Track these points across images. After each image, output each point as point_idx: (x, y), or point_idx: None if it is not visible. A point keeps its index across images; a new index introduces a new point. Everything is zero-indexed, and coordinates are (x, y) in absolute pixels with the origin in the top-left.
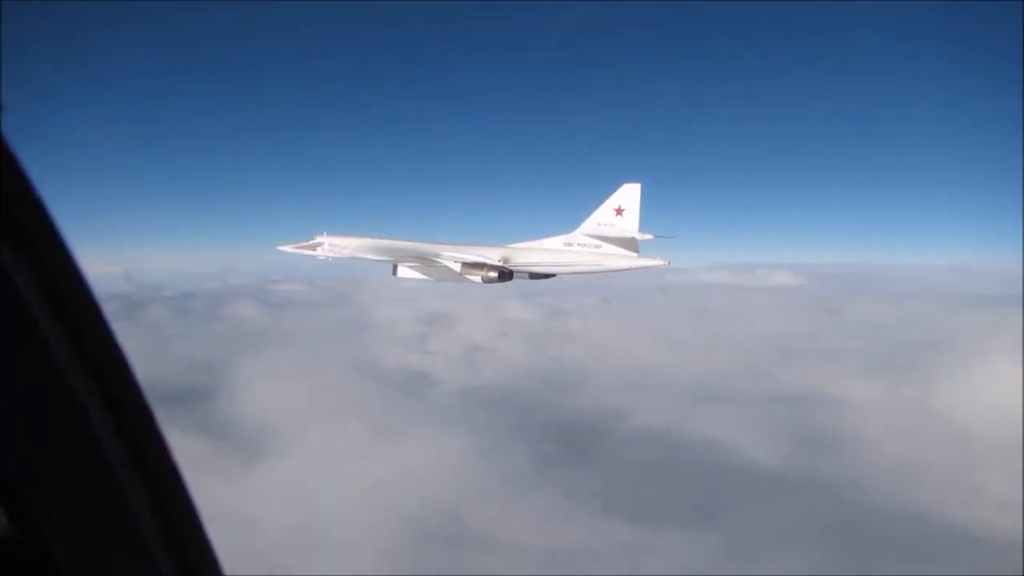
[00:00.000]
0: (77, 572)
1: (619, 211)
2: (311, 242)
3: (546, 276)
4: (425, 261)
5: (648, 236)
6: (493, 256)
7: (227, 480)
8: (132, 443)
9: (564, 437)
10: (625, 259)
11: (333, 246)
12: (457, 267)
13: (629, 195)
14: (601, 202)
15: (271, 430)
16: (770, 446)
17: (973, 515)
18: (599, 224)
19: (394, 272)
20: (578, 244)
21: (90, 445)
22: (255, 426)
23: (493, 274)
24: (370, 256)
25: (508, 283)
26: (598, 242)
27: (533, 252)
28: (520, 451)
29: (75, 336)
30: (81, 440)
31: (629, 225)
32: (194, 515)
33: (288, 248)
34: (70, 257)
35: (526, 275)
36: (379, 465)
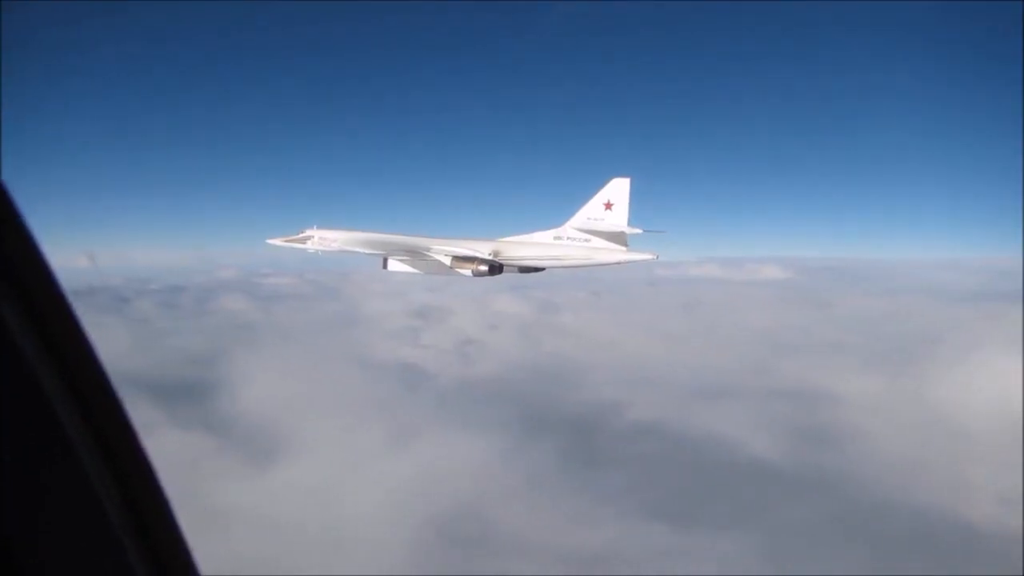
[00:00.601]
0: (44, 572)
1: (608, 205)
2: (300, 235)
3: (535, 270)
4: (415, 255)
5: (637, 230)
6: (483, 250)
7: (230, 477)
8: (101, 439)
9: (562, 430)
10: (614, 253)
11: (323, 239)
12: (447, 261)
13: (618, 189)
14: (590, 196)
15: (270, 425)
16: (768, 441)
17: (973, 510)
18: (588, 218)
19: (384, 265)
20: (567, 238)
21: (57, 441)
22: (253, 421)
23: (483, 268)
24: (360, 249)
25: (498, 276)
26: (587, 236)
27: (523, 246)
28: (518, 444)
29: (41, 329)
30: (48, 436)
31: (618, 219)
32: (168, 512)
33: (277, 241)
34: (36, 250)
35: (516, 269)
36: (378, 459)
